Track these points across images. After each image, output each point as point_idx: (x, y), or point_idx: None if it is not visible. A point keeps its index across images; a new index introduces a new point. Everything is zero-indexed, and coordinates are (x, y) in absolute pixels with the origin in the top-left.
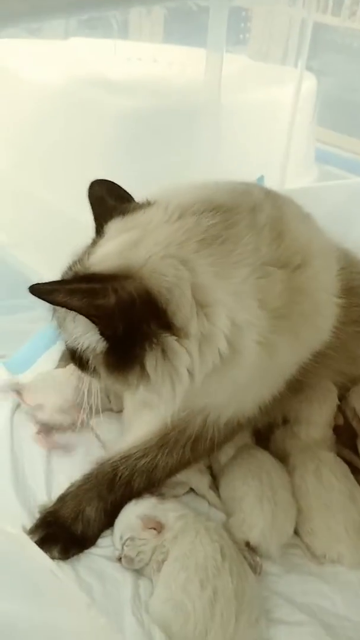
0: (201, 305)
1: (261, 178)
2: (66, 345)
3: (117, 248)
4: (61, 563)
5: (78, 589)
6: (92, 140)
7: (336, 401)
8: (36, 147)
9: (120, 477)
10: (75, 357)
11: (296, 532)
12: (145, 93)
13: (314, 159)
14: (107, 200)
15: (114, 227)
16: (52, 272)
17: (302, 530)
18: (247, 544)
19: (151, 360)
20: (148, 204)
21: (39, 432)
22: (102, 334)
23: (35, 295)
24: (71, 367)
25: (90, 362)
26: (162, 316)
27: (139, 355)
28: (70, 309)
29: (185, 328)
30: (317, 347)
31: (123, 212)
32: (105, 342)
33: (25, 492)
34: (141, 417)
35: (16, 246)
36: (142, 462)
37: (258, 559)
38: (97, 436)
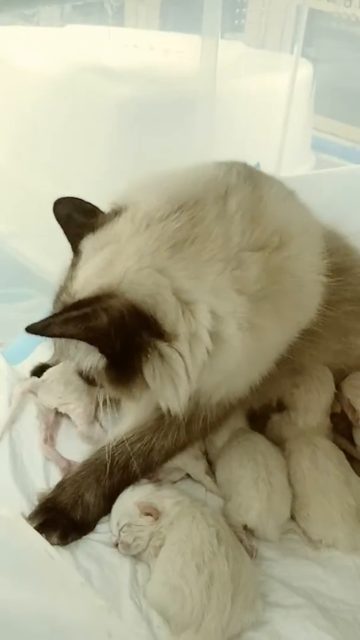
0: (185, 307)
1: (257, 165)
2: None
3: (95, 269)
4: (60, 548)
5: (74, 570)
6: (88, 129)
7: (334, 389)
8: (34, 136)
9: (117, 462)
10: (82, 377)
11: (293, 518)
12: (142, 81)
13: (311, 147)
14: (75, 218)
15: (88, 245)
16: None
17: (298, 516)
18: (245, 527)
19: (149, 370)
20: (115, 214)
21: (45, 441)
22: (101, 352)
23: (32, 333)
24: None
25: (96, 379)
26: (151, 324)
27: (137, 366)
28: (69, 337)
29: (174, 331)
30: (304, 325)
31: (93, 228)
32: (105, 360)
33: (24, 479)
34: (138, 403)
35: (15, 236)
36: (138, 445)
37: (254, 542)
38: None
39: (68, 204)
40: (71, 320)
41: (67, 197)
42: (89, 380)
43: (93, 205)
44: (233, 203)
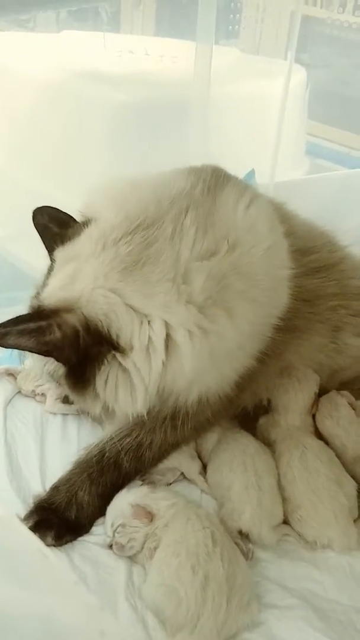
0: (139, 322)
1: (252, 172)
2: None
3: (59, 282)
4: (55, 550)
5: (69, 569)
6: (84, 133)
7: (314, 389)
8: (30, 140)
9: (107, 458)
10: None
11: (286, 521)
12: (137, 86)
13: (305, 152)
14: (51, 228)
15: (58, 257)
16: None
17: (291, 518)
18: (240, 532)
19: (101, 380)
20: (83, 227)
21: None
22: (58, 362)
23: None
24: None
25: (60, 383)
26: (106, 339)
27: (91, 376)
28: (22, 349)
29: (129, 344)
30: (273, 320)
31: (63, 240)
32: (63, 367)
33: (20, 481)
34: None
35: (11, 239)
36: (127, 440)
37: (250, 545)
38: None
39: (44, 214)
40: (26, 333)
41: (45, 207)
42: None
43: (68, 216)
44: (190, 218)
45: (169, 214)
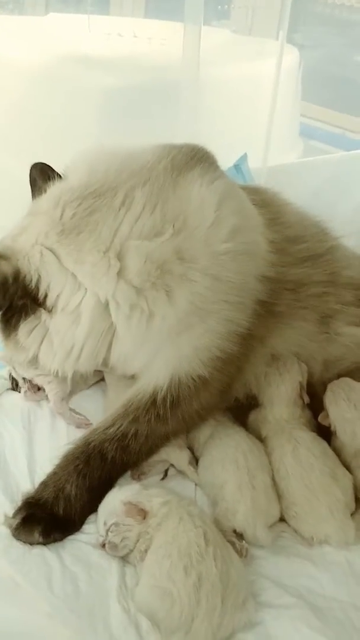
0: (70, 286)
1: (244, 157)
2: None
3: (13, 232)
4: (46, 550)
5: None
6: (73, 117)
7: (298, 379)
8: (18, 126)
9: (92, 447)
10: None
11: (282, 518)
12: (126, 69)
13: (299, 134)
14: (38, 182)
15: (29, 208)
16: None
17: (287, 515)
18: (235, 531)
19: (24, 330)
20: (52, 185)
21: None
22: None
23: None
24: None
25: None
26: (32, 293)
27: (17, 324)
28: None
29: (55, 304)
30: (227, 295)
31: (41, 193)
32: None
33: (8, 480)
34: (117, 397)
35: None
36: (111, 430)
37: (244, 542)
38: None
39: (37, 169)
40: None
41: (39, 163)
42: None
43: (55, 173)
44: (143, 192)
45: (125, 185)
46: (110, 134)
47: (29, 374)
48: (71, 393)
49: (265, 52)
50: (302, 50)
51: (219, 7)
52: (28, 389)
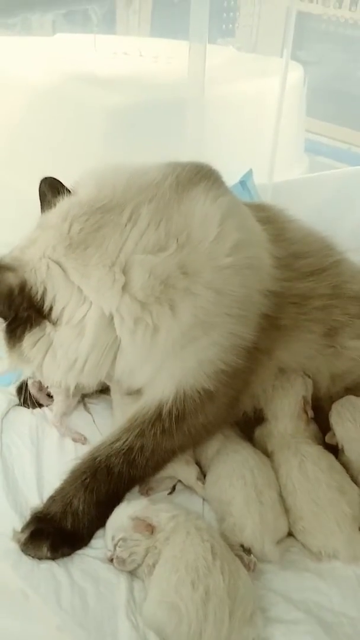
0: (75, 299)
1: (249, 173)
2: None
3: (22, 244)
4: (54, 565)
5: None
6: (79, 137)
7: (302, 393)
8: (25, 145)
9: (99, 462)
10: None
11: (290, 532)
12: (132, 88)
13: (305, 150)
14: (47, 196)
15: (38, 221)
16: None
17: (294, 530)
18: (242, 546)
19: (28, 342)
20: (61, 200)
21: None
22: None
23: None
24: None
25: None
26: (37, 305)
27: (22, 335)
28: None
29: (60, 317)
30: (230, 309)
31: (50, 207)
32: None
33: (16, 495)
34: (123, 416)
35: (5, 246)
36: (117, 445)
37: (252, 556)
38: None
39: (46, 183)
40: None
41: (48, 177)
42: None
43: (65, 188)
44: (149, 209)
45: (132, 202)
46: (116, 151)
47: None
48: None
49: (269, 70)
50: (307, 66)
51: (224, 25)
52: (39, 389)
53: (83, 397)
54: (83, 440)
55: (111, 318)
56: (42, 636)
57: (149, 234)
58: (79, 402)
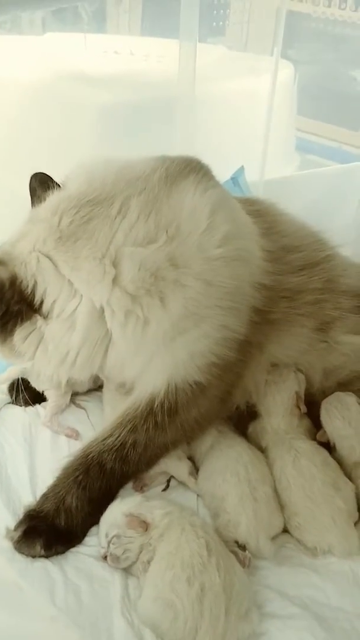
0: (66, 293)
1: (241, 169)
2: None
3: (12, 238)
4: (48, 563)
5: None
6: (70, 136)
7: (294, 388)
8: (15, 144)
9: (91, 458)
10: None
11: (285, 529)
12: (122, 87)
13: (296, 148)
14: (37, 191)
15: (28, 216)
16: None
17: (289, 526)
18: (237, 542)
19: (20, 336)
20: (52, 194)
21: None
22: None
23: None
24: None
25: None
26: (28, 299)
27: (12, 329)
28: None
29: (51, 311)
30: (221, 301)
31: (40, 201)
32: None
33: (9, 493)
34: (113, 413)
35: None
36: (109, 440)
37: (247, 552)
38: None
39: (37, 179)
40: None
41: (39, 172)
42: None
43: (54, 182)
44: (138, 201)
45: (122, 195)
46: (108, 150)
47: (40, 386)
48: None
49: (260, 68)
50: (297, 65)
51: (214, 23)
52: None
53: (74, 395)
54: (75, 435)
55: (102, 311)
56: (36, 631)
57: (139, 226)
58: (71, 401)
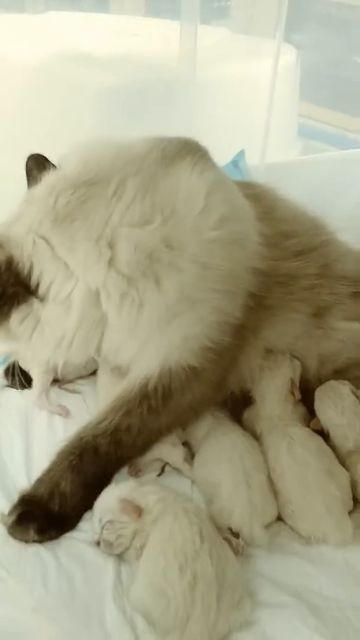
0: (61, 275)
1: (241, 153)
2: None
3: (9, 219)
4: (41, 548)
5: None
6: (72, 116)
7: (289, 374)
8: (16, 125)
9: (85, 442)
10: None
11: (279, 517)
12: (125, 68)
13: (299, 134)
14: (34, 172)
15: (24, 196)
16: None
17: (283, 514)
18: (230, 530)
19: (16, 318)
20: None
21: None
22: None
23: None
24: None
25: None
26: (24, 281)
27: (9, 311)
28: None
29: (47, 293)
30: (216, 284)
31: (36, 183)
32: None
33: (4, 477)
34: (108, 392)
35: None
36: (103, 424)
37: (240, 540)
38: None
39: (33, 160)
40: None
41: (35, 154)
42: None
43: (50, 163)
44: (134, 182)
45: (118, 175)
46: (108, 131)
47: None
48: (69, 375)
49: (263, 52)
50: (301, 49)
51: (217, 3)
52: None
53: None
54: (66, 413)
55: (98, 293)
56: (27, 622)
57: (135, 207)
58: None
